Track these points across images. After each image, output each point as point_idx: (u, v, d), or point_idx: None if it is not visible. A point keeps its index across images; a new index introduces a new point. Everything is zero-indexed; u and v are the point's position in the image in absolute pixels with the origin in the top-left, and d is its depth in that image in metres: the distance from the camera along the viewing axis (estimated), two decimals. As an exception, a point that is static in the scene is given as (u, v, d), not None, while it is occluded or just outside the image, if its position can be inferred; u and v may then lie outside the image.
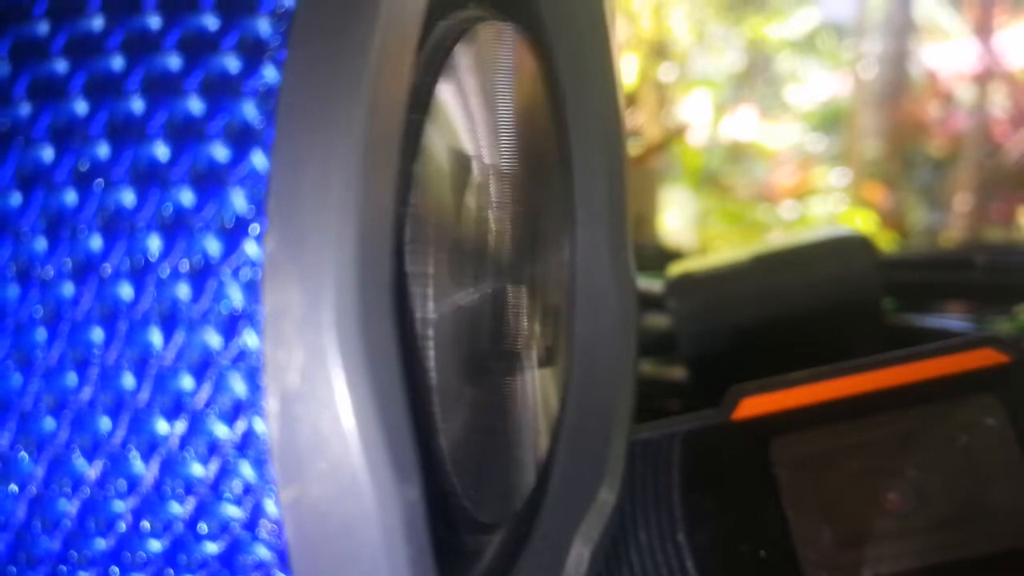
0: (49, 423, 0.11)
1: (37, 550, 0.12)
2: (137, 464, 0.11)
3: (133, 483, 0.11)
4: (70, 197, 0.11)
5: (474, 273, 0.16)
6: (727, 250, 0.41)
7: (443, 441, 0.14)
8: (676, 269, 0.37)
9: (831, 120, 1.67)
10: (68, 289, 0.11)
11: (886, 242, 1.12)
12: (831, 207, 1.50)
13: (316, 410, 0.11)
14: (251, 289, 0.11)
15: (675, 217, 1.37)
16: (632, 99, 1.17)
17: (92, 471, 0.11)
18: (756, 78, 1.76)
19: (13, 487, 0.12)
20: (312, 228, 0.11)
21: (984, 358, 0.22)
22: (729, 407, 0.23)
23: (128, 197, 0.11)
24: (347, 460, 0.10)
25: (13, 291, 0.12)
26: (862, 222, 1.29)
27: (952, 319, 0.38)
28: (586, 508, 0.19)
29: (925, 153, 1.52)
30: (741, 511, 0.22)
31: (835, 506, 0.22)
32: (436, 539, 0.12)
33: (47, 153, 0.12)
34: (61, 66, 0.12)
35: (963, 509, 0.21)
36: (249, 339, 0.11)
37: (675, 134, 1.29)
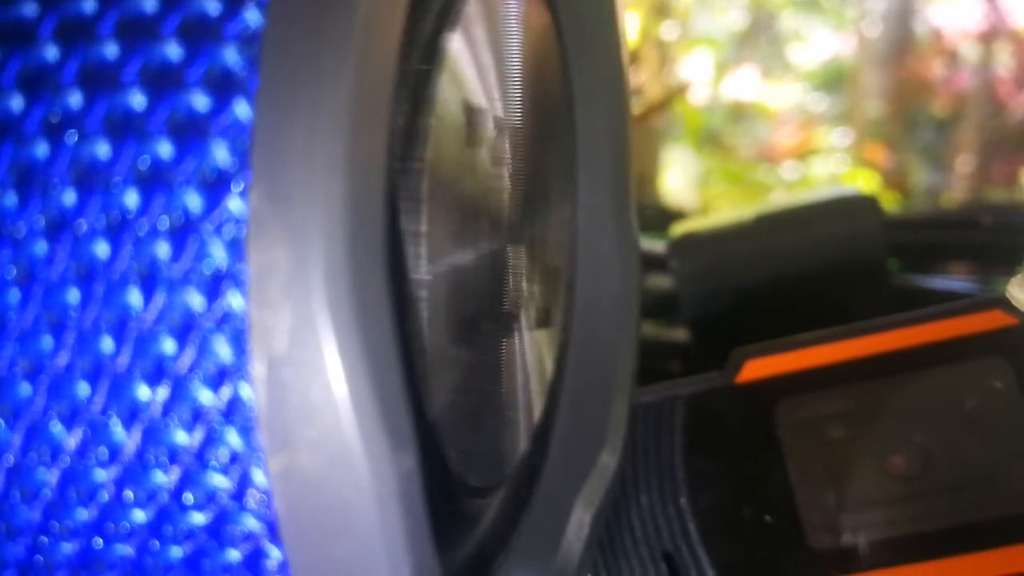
0: (25, 389, 0.11)
1: (17, 520, 0.11)
2: (118, 432, 0.11)
3: (115, 451, 0.11)
4: (41, 149, 0.11)
5: (472, 232, 0.15)
6: (730, 210, 0.41)
7: (436, 404, 0.14)
8: (678, 229, 0.36)
9: (833, 79, 1.65)
10: (41, 247, 0.11)
11: (888, 203, 1.12)
12: (833, 167, 1.49)
13: (305, 376, 0.10)
14: (235, 247, 0.10)
15: (676, 177, 1.36)
16: (634, 58, 1.16)
17: (71, 439, 0.11)
18: (758, 37, 1.74)
19: (-11, 455, 0.11)
20: (299, 182, 0.10)
21: (992, 320, 0.21)
22: (733, 369, 0.22)
23: (103, 149, 0.11)
24: (339, 428, 0.10)
25: (-17, 250, 0.11)
26: (864, 183, 1.28)
27: (957, 280, 0.37)
28: (587, 472, 0.18)
29: (928, 113, 1.51)
30: (744, 475, 0.22)
31: (840, 470, 0.21)
32: (431, 505, 0.11)
33: (16, 103, 0.11)
34: (30, 10, 0.11)
35: (970, 473, 0.21)
36: (233, 300, 0.10)
37: (677, 93, 1.28)
